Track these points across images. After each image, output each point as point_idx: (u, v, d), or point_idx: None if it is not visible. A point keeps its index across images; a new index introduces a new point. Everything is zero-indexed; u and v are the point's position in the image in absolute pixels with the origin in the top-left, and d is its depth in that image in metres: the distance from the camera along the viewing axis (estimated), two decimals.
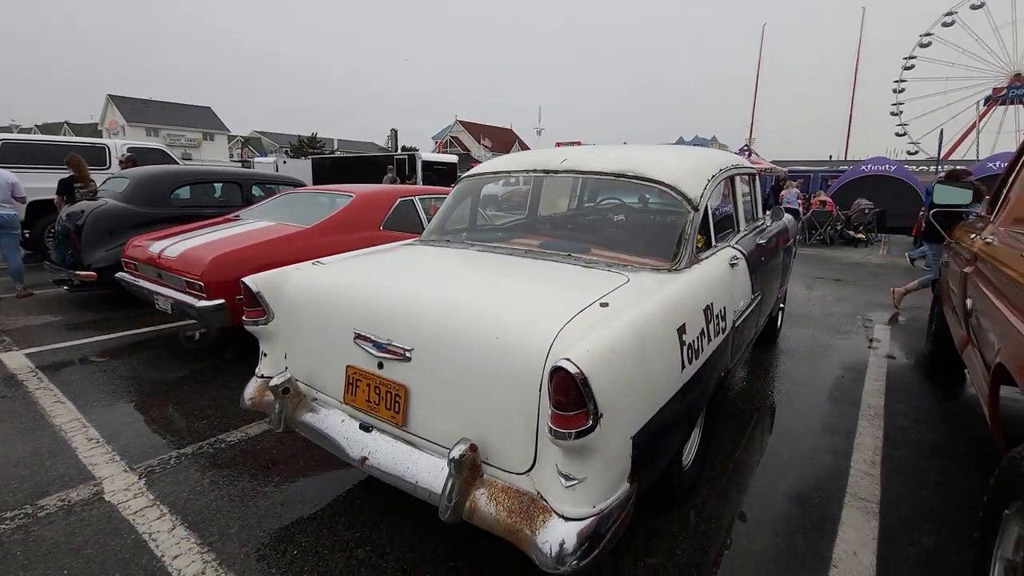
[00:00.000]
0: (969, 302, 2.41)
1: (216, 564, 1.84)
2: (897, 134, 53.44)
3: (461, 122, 56.56)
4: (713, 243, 2.49)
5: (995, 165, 15.65)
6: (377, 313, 1.84)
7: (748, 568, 1.91)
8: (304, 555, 1.91)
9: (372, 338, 1.81)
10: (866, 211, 13.18)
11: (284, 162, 23.94)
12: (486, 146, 49.00)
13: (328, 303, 2.01)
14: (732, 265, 2.50)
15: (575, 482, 1.40)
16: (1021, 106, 48.93)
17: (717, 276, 2.31)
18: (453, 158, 20.61)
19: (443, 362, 1.66)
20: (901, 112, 51.24)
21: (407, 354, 1.72)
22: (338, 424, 1.90)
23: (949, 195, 3.32)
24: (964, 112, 53.71)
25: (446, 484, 1.51)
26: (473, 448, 1.53)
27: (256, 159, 32.41)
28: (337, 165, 20.07)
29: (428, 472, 1.63)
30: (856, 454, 2.75)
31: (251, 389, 2.23)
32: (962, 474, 2.59)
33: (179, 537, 1.97)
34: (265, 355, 2.26)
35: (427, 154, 18.70)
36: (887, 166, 16.95)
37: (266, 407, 2.14)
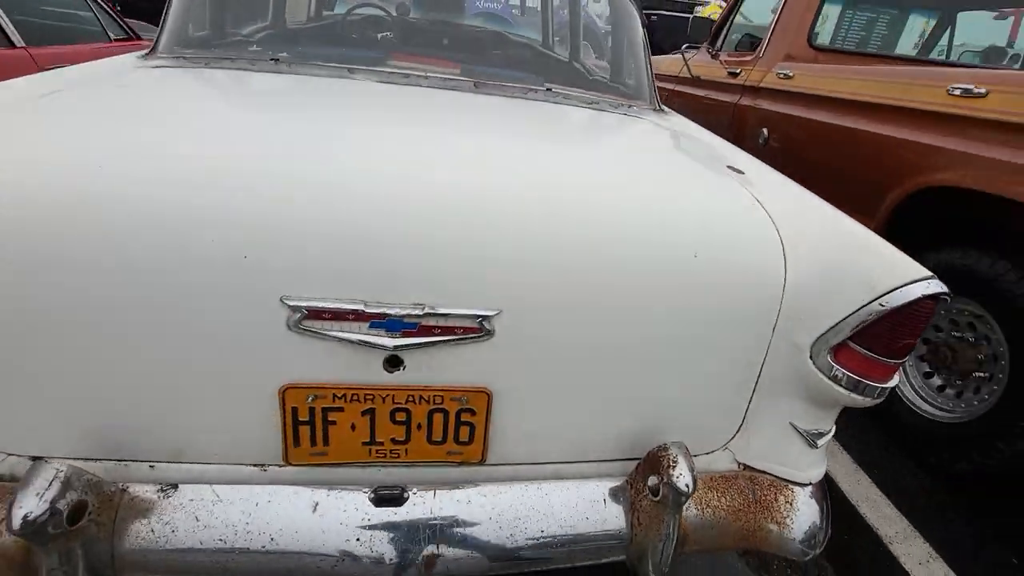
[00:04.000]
0: (766, 135, 2.79)
1: None
2: None
3: None
4: None
5: None
6: (378, 243, 0.74)
7: None
8: None
9: (343, 309, 0.74)
10: None
11: None
12: None
13: (165, 234, 0.71)
14: None
15: (824, 437, 0.98)
16: None
17: None
18: None
19: (576, 322, 0.82)
20: None
21: (485, 325, 0.78)
22: (296, 512, 0.81)
23: None
24: None
25: (668, 527, 0.84)
26: (686, 451, 0.87)
27: None
28: None
29: (572, 512, 0.88)
30: None
31: None
32: None
33: None
34: None
35: None
36: None
37: None
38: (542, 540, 0.86)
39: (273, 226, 0.73)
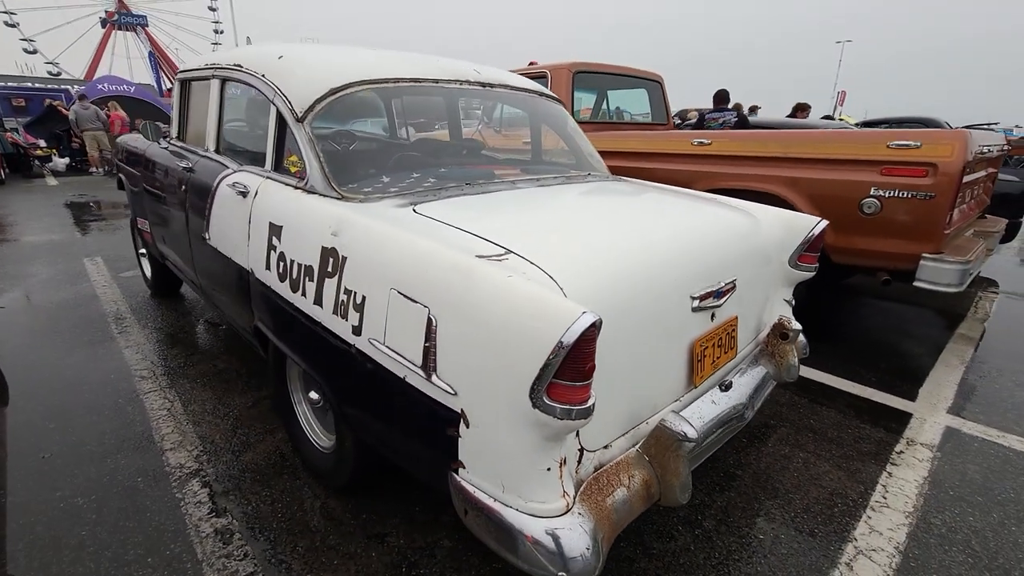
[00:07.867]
0: None
1: None
2: (26, 51, 48.93)
3: None
4: None
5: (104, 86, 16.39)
6: (707, 260, 1.53)
7: None
8: None
9: (710, 291, 1.53)
10: None
11: None
12: None
13: (655, 283, 1.34)
14: None
15: (793, 302, 2.17)
16: (134, 32, 54.38)
17: None
18: None
19: (756, 272, 1.78)
20: (17, 24, 47.28)
21: (736, 284, 1.66)
22: (710, 406, 1.51)
23: None
24: (93, 31, 54.94)
25: (793, 352, 1.86)
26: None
27: None
28: None
29: (763, 368, 1.82)
30: None
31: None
32: None
33: None
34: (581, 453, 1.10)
35: None
36: (125, 87, 16.05)
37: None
38: (761, 383, 1.78)
39: (685, 264, 1.44)
